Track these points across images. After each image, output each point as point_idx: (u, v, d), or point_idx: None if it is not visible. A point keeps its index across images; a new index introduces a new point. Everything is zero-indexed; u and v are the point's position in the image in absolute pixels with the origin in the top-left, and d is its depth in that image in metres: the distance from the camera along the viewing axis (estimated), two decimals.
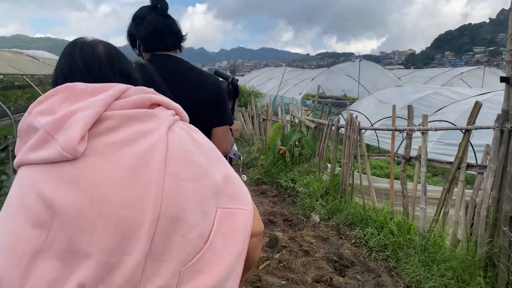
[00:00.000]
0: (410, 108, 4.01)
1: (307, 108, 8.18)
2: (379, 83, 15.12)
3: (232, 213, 0.88)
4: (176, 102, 0.97)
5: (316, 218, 4.78)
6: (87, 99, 0.81)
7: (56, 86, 0.86)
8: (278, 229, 4.48)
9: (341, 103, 15.46)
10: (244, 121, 9.57)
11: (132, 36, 1.74)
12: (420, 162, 3.78)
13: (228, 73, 2.14)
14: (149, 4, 1.69)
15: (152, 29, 1.66)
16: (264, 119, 8.55)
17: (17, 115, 4.47)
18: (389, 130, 4.22)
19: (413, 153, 4.01)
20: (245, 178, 3.47)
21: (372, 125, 8.36)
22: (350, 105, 14.08)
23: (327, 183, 5.28)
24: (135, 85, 0.93)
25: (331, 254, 3.88)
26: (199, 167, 0.85)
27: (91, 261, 0.71)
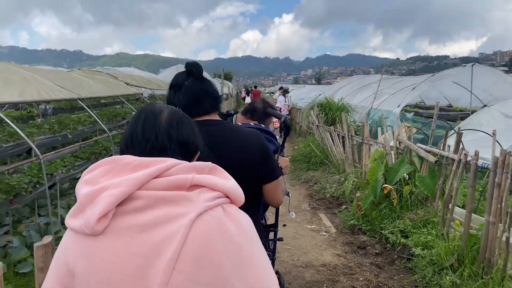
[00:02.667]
0: None
1: (409, 125, 6.47)
2: (496, 91, 12.56)
3: None
4: (223, 166, 0.97)
5: None
6: (128, 174, 0.82)
7: (121, 154, 0.93)
8: None
9: (447, 115, 13.18)
10: (333, 142, 8.10)
11: (172, 103, 1.68)
12: None
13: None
14: (184, 70, 1.71)
15: (191, 95, 1.67)
16: (357, 142, 7.02)
17: (44, 153, 3.57)
18: None
19: None
20: (293, 215, 2.98)
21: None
22: (462, 119, 11.85)
23: (459, 245, 3.65)
24: (193, 152, 1.01)
25: None
26: (218, 270, 0.77)
27: None
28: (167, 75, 23.65)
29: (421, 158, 4.81)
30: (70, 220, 0.82)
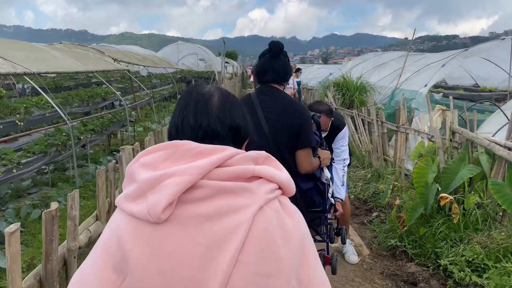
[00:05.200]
0: None
1: (444, 107, 5.11)
2: None
3: None
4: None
5: None
6: (189, 161, 0.79)
7: (170, 138, 0.89)
8: None
9: (479, 96, 11.71)
10: (356, 129, 6.73)
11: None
12: None
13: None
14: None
15: (260, 66, 2.16)
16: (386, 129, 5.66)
17: None
18: None
19: None
20: (356, 259, 3.31)
21: None
22: (497, 100, 10.37)
23: None
24: (244, 139, 0.95)
25: None
26: (278, 263, 0.76)
27: None
28: (167, 52, 22.39)
29: (492, 157, 3.47)
30: (127, 204, 0.78)
